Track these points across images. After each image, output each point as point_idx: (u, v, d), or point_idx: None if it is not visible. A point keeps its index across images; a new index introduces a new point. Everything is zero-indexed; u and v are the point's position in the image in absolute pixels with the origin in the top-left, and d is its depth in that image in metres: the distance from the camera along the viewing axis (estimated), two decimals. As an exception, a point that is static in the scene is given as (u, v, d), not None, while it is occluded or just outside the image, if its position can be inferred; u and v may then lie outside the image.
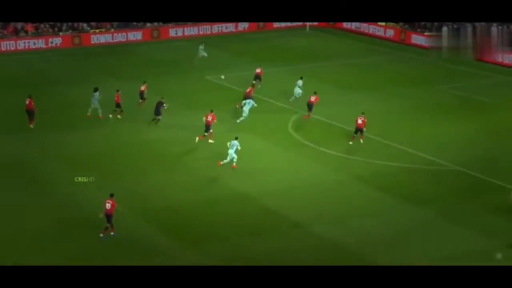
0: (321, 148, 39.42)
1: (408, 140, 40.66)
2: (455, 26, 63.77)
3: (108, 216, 29.13)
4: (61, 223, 30.61)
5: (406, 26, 67.25)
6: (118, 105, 43.46)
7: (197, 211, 32.13)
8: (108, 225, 29.24)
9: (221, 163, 36.20)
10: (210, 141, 39.65)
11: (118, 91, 43.84)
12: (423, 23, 65.92)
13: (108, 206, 29.10)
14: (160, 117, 42.17)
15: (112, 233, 29.38)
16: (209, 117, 39.61)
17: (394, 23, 67.33)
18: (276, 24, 71.49)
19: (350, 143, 39.93)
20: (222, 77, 48.92)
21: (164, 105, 42.38)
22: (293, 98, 46.66)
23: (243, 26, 70.70)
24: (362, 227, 30.87)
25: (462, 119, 44.74)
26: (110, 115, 43.37)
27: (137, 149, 39.23)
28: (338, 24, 71.43)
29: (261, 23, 70.81)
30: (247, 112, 42.47)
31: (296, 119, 44.43)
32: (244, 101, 43.08)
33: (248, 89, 45.51)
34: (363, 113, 40.71)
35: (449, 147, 40.09)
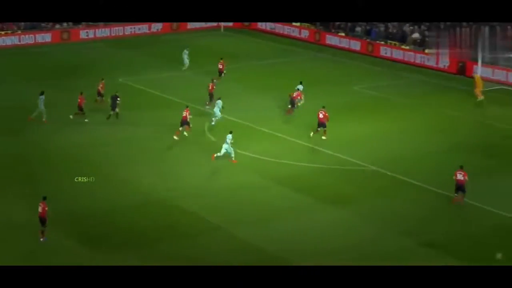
0: (238, 150, 38.90)
1: (324, 141, 40.52)
2: (367, 27, 64.46)
3: (41, 220, 28.67)
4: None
5: (320, 26, 67.48)
6: (80, 108, 42.70)
7: (113, 217, 31.37)
8: (43, 228, 28.77)
9: (215, 155, 36.54)
10: (185, 133, 40.00)
11: (81, 93, 43.13)
12: (337, 23, 66.36)
13: (40, 209, 28.68)
14: (117, 110, 42.61)
15: (41, 239, 28.85)
16: (183, 112, 40.03)
17: (309, 24, 67.53)
18: (190, 25, 70.50)
19: (311, 135, 40.40)
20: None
21: (118, 99, 42.60)
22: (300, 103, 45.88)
23: (156, 27, 69.41)
24: (281, 228, 30.63)
25: (377, 119, 44.96)
26: (71, 116, 42.80)
27: (68, 152, 38.58)
28: (253, 25, 71.09)
29: (174, 24, 69.74)
30: (218, 112, 42.31)
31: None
32: (214, 103, 43.10)
33: (210, 86, 45.72)
34: (323, 107, 40.75)
35: (364, 147, 40.19)
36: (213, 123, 42.31)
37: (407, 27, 62.77)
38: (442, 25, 61.54)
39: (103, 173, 35.88)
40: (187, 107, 40.80)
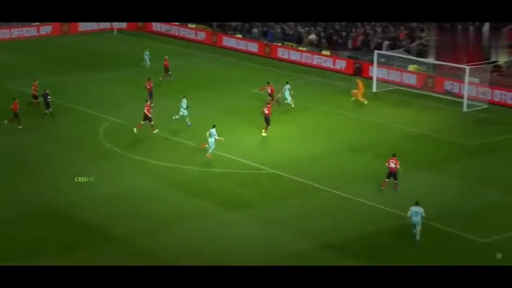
0: (133, 156, 37.94)
1: (222, 144, 39.72)
2: (264, 29, 64.24)
3: None
4: None
5: (217, 28, 66.81)
6: (15, 114, 41.47)
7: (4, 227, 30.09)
8: None
9: (208, 154, 36.79)
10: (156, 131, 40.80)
11: (14, 99, 41.58)
12: (234, 25, 65.87)
13: None
14: (50, 110, 42.81)
15: None
16: (144, 108, 40.52)
17: (205, 25, 66.71)
18: (81, 28, 68.23)
19: (264, 134, 41.13)
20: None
21: (49, 97, 42.71)
22: (290, 102, 46.15)
23: (45, 29, 66.78)
24: (177, 234, 29.97)
25: (274, 121, 44.33)
26: (5, 121, 41.72)
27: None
28: (147, 27, 69.61)
29: (65, 27, 67.37)
30: (185, 111, 42.19)
31: (107, 127, 42.31)
32: (182, 102, 42.64)
33: (148, 85, 45.80)
34: (268, 103, 41.97)
35: (261, 149, 39.86)
36: (188, 123, 42.14)
37: (302, 29, 62.88)
38: (337, 25, 62.28)
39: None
40: (146, 101, 41.08)
